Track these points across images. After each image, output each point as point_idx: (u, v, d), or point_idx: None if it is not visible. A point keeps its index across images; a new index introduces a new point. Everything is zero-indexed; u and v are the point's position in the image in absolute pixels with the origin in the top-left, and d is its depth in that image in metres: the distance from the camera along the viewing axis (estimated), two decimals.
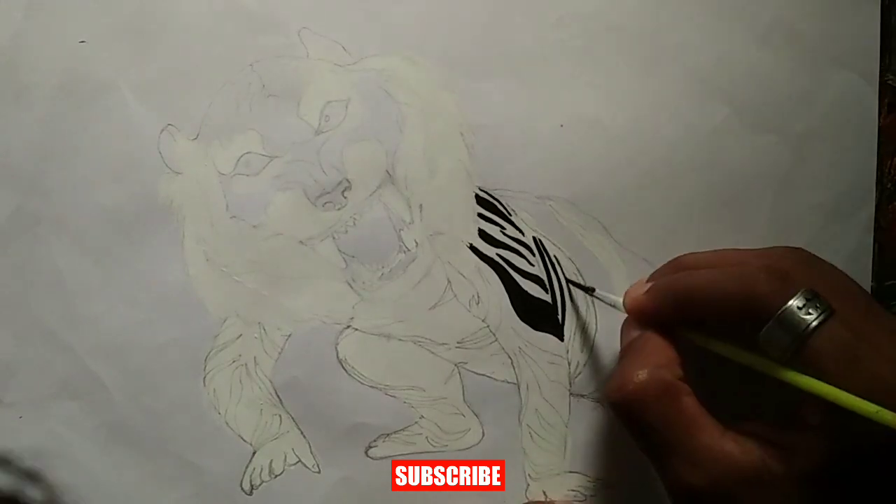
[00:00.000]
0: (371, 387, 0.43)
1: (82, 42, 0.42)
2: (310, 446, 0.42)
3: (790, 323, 0.33)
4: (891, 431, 0.31)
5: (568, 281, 0.43)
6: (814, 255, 0.37)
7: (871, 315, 0.34)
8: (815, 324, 0.33)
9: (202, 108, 0.42)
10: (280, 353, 0.42)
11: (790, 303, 0.33)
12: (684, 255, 0.40)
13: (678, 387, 0.35)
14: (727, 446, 0.34)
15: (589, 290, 0.43)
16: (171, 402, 0.42)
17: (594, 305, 0.43)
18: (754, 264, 0.36)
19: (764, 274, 0.35)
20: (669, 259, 0.42)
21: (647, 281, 0.40)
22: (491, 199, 0.43)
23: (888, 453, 0.32)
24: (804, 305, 0.33)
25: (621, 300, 0.40)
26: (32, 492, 0.31)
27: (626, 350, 0.38)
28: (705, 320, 0.37)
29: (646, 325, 0.38)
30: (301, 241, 0.42)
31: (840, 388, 0.32)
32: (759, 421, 0.35)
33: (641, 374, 0.35)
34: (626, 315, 0.40)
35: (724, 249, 0.40)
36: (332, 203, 0.42)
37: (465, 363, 0.43)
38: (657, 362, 0.36)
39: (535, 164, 0.43)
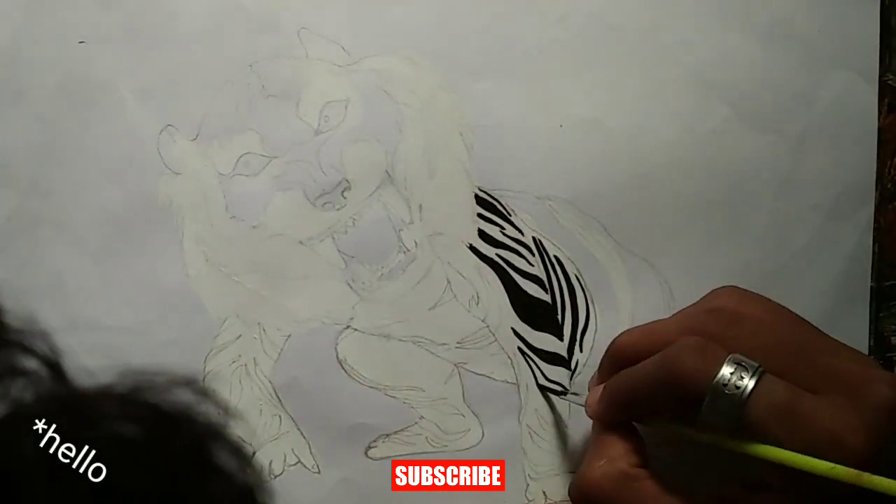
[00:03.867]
0: (371, 387, 0.43)
1: (82, 42, 0.42)
2: (309, 447, 0.42)
3: (723, 396, 0.33)
4: (849, 487, 0.30)
5: (539, 386, 0.43)
6: (746, 294, 0.37)
7: (811, 360, 0.34)
8: (749, 389, 0.33)
9: (201, 109, 0.42)
10: (280, 354, 0.42)
11: (718, 375, 0.33)
12: (618, 336, 0.40)
13: (634, 473, 0.36)
14: None
15: (560, 394, 0.43)
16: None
17: (594, 305, 0.43)
18: (675, 343, 0.35)
19: (685, 353, 0.34)
20: (667, 260, 0.43)
21: (598, 375, 0.41)
22: (490, 200, 0.43)
23: None
24: (733, 373, 0.33)
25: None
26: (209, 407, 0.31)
27: (586, 449, 0.40)
28: (657, 412, 0.37)
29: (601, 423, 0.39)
30: (300, 242, 0.42)
31: (789, 448, 0.32)
32: (726, 489, 0.36)
33: (598, 469, 0.37)
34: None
35: (651, 323, 0.40)
36: (331, 203, 0.42)
37: (465, 363, 0.43)
38: (612, 455, 0.37)
39: (535, 164, 0.43)
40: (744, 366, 0.33)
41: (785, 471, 0.32)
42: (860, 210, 0.44)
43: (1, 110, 0.41)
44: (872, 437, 0.31)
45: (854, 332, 0.44)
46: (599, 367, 0.41)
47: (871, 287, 0.44)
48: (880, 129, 0.44)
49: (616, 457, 0.37)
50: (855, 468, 0.30)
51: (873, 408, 0.32)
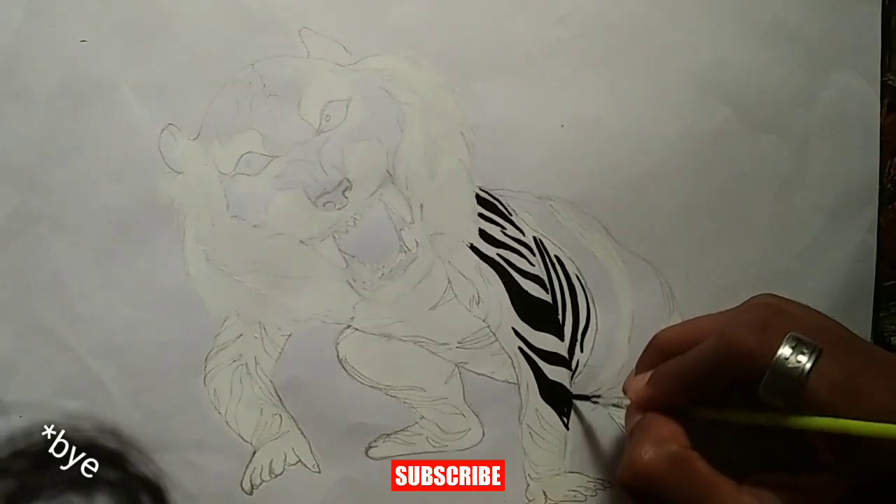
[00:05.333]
0: (371, 387, 0.43)
1: (82, 42, 0.42)
2: (310, 446, 0.42)
3: (784, 371, 0.33)
4: None
5: (573, 396, 0.43)
6: (785, 298, 0.38)
7: (856, 348, 0.35)
8: (808, 366, 0.33)
9: (203, 108, 0.42)
10: (280, 353, 0.42)
11: (779, 352, 0.34)
12: (660, 332, 0.41)
13: (686, 455, 0.36)
14: (745, 499, 0.34)
15: (593, 399, 0.43)
16: (171, 402, 0.42)
17: (594, 305, 0.44)
18: (732, 325, 0.36)
19: (744, 331, 0.35)
20: (668, 260, 0.43)
21: (637, 369, 0.41)
22: (491, 199, 0.43)
23: None
24: (793, 350, 0.34)
25: (623, 397, 0.40)
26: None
27: (631, 433, 0.39)
28: (710, 393, 0.37)
29: (648, 410, 0.39)
30: (302, 241, 0.42)
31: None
32: (772, 471, 0.36)
33: (648, 452, 0.36)
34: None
35: (695, 319, 0.41)
36: (332, 203, 0.42)
37: (466, 363, 0.43)
38: (662, 437, 0.37)
39: (535, 164, 0.43)
40: (804, 344, 0.34)
41: (838, 447, 0.33)
42: (863, 211, 0.44)
43: (1, 110, 0.41)
44: None
45: (856, 333, 0.44)
46: (639, 361, 0.41)
47: (872, 287, 0.44)
48: (881, 129, 0.44)
49: (665, 439, 0.36)
50: None
51: None
